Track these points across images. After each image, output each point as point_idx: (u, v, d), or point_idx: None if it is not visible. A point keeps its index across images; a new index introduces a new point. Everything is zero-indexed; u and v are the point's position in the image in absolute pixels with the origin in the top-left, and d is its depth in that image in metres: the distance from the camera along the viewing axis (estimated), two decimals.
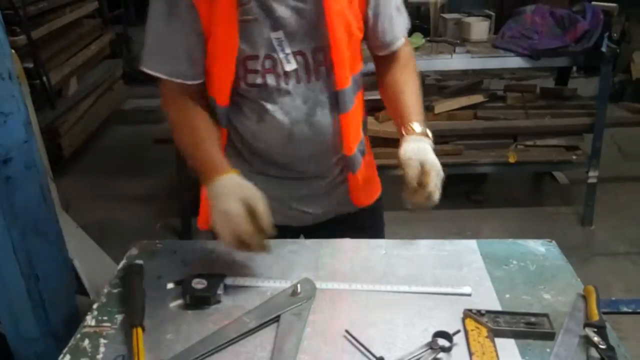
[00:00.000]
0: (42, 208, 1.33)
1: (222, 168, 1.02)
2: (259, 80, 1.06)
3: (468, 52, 2.73)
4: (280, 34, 1.03)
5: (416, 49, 2.65)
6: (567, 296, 1.00)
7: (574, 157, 3.00)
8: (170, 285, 1.02)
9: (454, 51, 2.69)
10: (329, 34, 1.04)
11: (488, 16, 2.99)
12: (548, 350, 0.87)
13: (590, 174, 2.92)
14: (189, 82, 1.08)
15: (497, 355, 0.85)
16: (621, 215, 3.11)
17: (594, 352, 0.84)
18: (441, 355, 0.86)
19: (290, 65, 1.05)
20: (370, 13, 1.13)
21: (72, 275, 1.60)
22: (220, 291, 1.00)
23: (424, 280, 1.04)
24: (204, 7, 1.00)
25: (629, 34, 4.87)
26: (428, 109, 2.93)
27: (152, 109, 4.69)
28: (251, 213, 0.96)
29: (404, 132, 1.11)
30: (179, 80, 1.07)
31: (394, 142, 1.15)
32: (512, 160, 2.96)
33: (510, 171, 3.32)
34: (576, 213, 3.12)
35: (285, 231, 1.14)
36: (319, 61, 1.07)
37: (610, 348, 0.84)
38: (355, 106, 1.15)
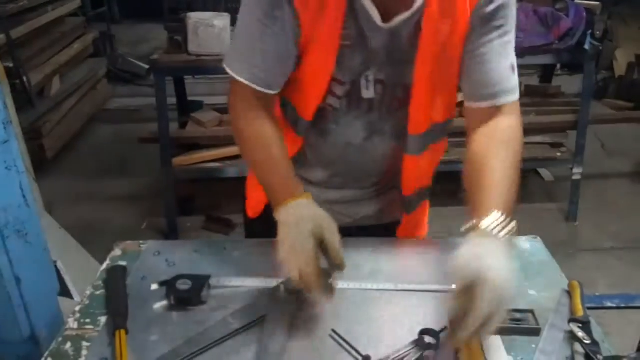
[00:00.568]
0: (23, 209, 1.30)
1: (296, 191, 0.94)
2: (335, 104, 1.03)
3: None
4: (370, 69, 0.99)
5: None
6: (552, 292, 1.00)
7: (559, 154, 3.04)
8: (154, 287, 1.01)
9: None
10: (415, 77, 0.97)
11: None
12: (534, 346, 0.87)
13: (575, 170, 2.96)
14: (270, 92, 1.01)
15: (483, 351, 0.85)
16: (605, 211, 3.15)
17: (578, 347, 0.84)
18: (427, 352, 0.85)
19: (369, 93, 1.01)
20: (467, 59, 0.98)
21: (55, 278, 1.57)
22: (205, 292, 0.99)
23: (411, 278, 1.04)
24: (306, 20, 0.93)
25: (611, 32, 4.93)
26: None
27: (136, 108, 4.66)
28: (322, 247, 0.86)
29: (470, 227, 0.86)
30: (259, 89, 0.99)
31: None
32: None
33: None
34: (561, 209, 3.15)
35: None
36: (396, 96, 1.02)
37: (594, 343, 0.84)
38: (428, 152, 1.09)
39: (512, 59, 0.99)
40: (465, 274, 0.76)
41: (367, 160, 1.11)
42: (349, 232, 1.16)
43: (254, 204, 1.23)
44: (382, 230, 1.22)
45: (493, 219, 0.83)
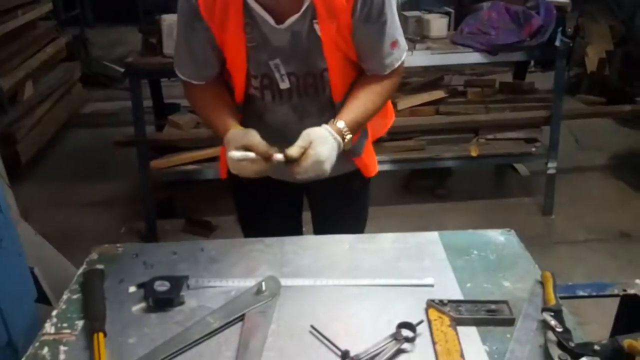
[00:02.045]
0: None
1: (228, 126, 1.19)
2: (258, 94, 1.25)
3: (428, 48, 2.77)
4: (277, 60, 1.19)
5: None
6: (525, 283, 1.02)
7: (534, 149, 3.08)
8: (132, 289, 1.01)
9: (415, 48, 2.72)
10: (328, 63, 1.19)
11: (447, 13, 3.03)
12: (508, 335, 0.89)
13: (550, 165, 3.01)
14: (201, 82, 1.27)
15: (459, 343, 0.87)
16: (580, 204, 3.21)
17: (551, 335, 0.86)
18: (405, 345, 0.87)
19: (284, 84, 1.22)
20: (355, 46, 1.20)
21: (32, 284, 1.55)
22: (183, 292, 0.99)
23: (388, 273, 1.05)
24: (215, 28, 1.16)
25: (582, 29, 5.03)
26: None
27: (112, 111, 4.60)
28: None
29: (328, 123, 1.17)
30: (195, 82, 1.27)
31: None
32: (474, 154, 3.02)
33: (473, 165, 3.38)
34: (537, 203, 3.20)
35: (288, 185, 1.36)
36: (308, 83, 1.23)
37: (566, 331, 0.86)
38: None
39: (391, 36, 1.20)
40: (310, 141, 1.10)
41: None
42: (313, 186, 1.37)
43: (223, 164, 1.45)
44: (343, 179, 1.39)
45: (343, 124, 1.16)
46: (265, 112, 1.29)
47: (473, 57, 2.80)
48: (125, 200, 3.32)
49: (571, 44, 2.85)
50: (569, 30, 2.91)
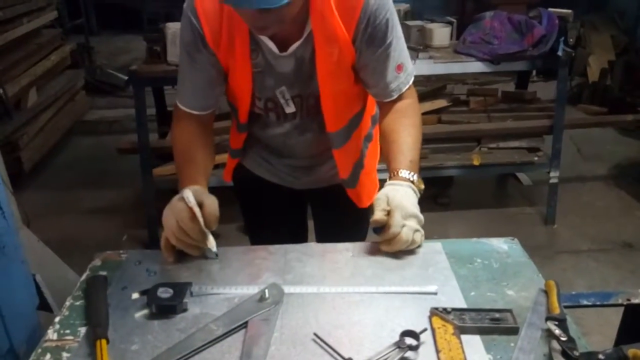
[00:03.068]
0: (0, 222, 1.29)
1: (198, 182, 1.17)
2: (262, 113, 1.28)
3: (431, 57, 2.78)
4: (282, 88, 1.21)
5: None
6: (529, 291, 1.02)
7: (536, 158, 3.09)
8: (135, 296, 1.00)
9: (417, 57, 2.73)
10: (320, 90, 1.20)
11: (450, 22, 3.05)
12: (512, 344, 0.89)
13: (552, 174, 3.01)
14: (202, 113, 1.27)
15: (463, 351, 0.87)
16: (582, 213, 3.21)
17: (555, 344, 0.86)
18: (409, 353, 0.86)
19: (290, 109, 1.25)
20: (360, 71, 1.21)
21: (34, 291, 1.55)
22: (186, 299, 0.98)
23: (391, 281, 1.05)
24: (221, 56, 1.18)
25: (584, 39, 5.05)
26: None
27: (115, 119, 4.62)
28: (202, 209, 1.08)
29: (388, 179, 1.17)
30: (194, 112, 1.27)
31: None
32: (476, 162, 3.02)
33: (475, 174, 3.39)
34: (539, 213, 3.20)
35: (292, 192, 1.46)
36: (311, 104, 1.25)
37: (570, 340, 0.86)
38: (350, 141, 1.33)
39: (396, 59, 1.20)
40: (385, 200, 1.10)
41: (306, 146, 1.35)
42: (309, 194, 1.50)
43: (228, 169, 1.51)
44: (339, 187, 1.43)
45: (405, 171, 1.16)
46: (268, 127, 1.33)
47: (475, 66, 2.82)
48: (128, 208, 3.33)
49: (573, 54, 2.86)
50: (571, 40, 2.92)
